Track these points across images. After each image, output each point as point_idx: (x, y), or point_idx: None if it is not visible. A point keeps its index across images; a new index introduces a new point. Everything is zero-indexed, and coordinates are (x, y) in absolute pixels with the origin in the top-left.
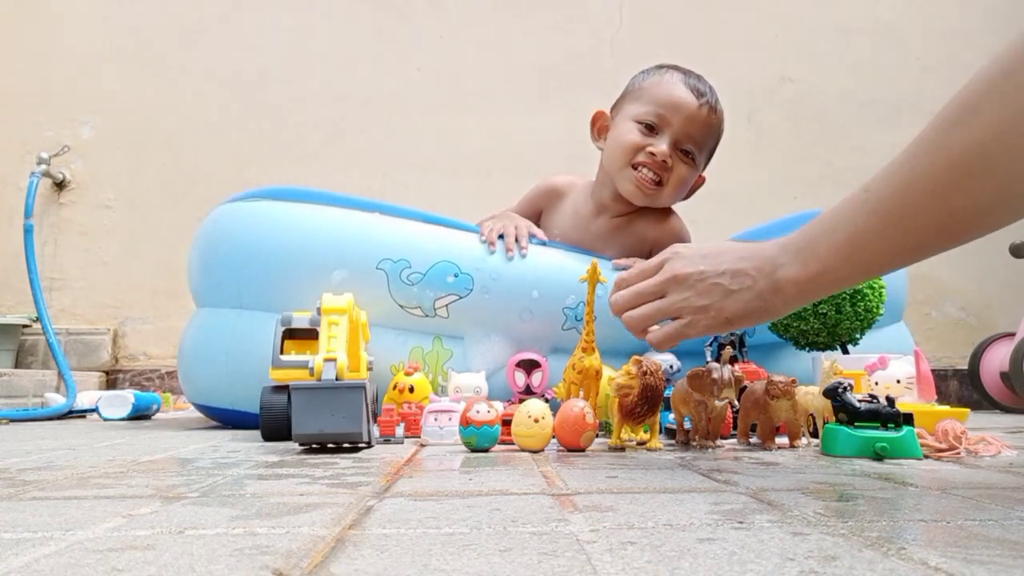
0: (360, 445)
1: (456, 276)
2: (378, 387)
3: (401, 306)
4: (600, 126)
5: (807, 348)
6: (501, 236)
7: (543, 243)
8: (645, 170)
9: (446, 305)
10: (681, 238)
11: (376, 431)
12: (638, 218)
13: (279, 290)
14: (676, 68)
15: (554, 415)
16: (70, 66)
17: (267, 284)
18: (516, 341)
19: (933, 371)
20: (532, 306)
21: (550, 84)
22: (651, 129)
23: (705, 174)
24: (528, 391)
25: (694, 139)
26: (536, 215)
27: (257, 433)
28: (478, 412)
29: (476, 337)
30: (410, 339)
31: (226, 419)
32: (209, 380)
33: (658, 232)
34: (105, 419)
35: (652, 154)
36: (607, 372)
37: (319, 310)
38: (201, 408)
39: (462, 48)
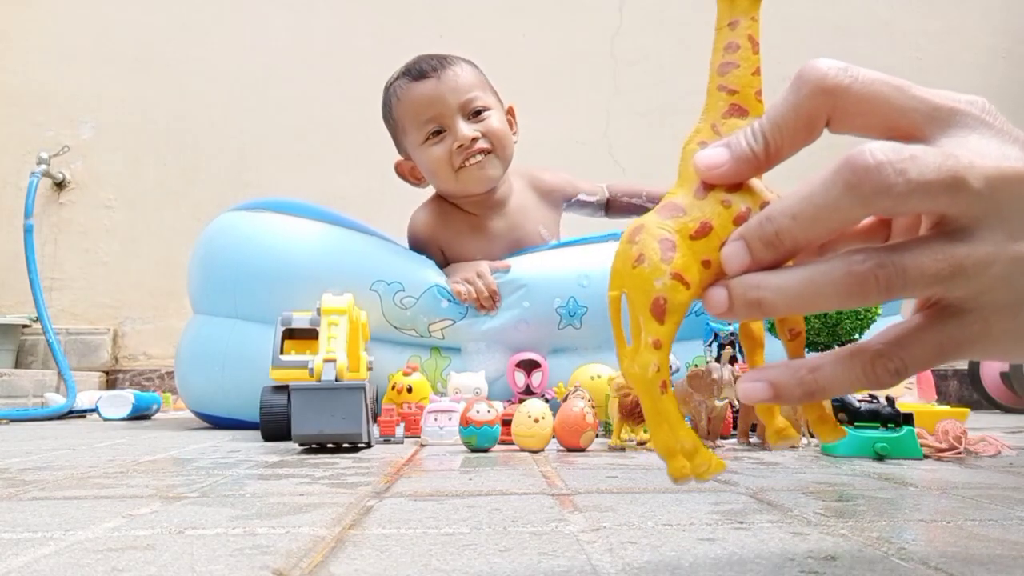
0: (360, 445)
1: (449, 301)
2: (378, 387)
3: (396, 327)
4: (410, 171)
5: (807, 348)
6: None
7: (506, 272)
8: (472, 158)
9: (441, 329)
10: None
11: (376, 431)
12: (511, 195)
13: (273, 303)
14: (399, 76)
15: (554, 415)
16: (70, 66)
17: (262, 296)
18: (515, 348)
19: (933, 371)
20: (525, 315)
21: (550, 84)
22: (439, 134)
23: (510, 102)
24: (528, 391)
25: (466, 99)
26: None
27: (257, 433)
28: (478, 412)
29: (474, 348)
30: (407, 351)
31: (223, 426)
32: (206, 388)
33: (539, 185)
34: (105, 419)
35: (460, 146)
36: (607, 372)
37: (319, 310)
38: (198, 415)
39: (462, 48)
